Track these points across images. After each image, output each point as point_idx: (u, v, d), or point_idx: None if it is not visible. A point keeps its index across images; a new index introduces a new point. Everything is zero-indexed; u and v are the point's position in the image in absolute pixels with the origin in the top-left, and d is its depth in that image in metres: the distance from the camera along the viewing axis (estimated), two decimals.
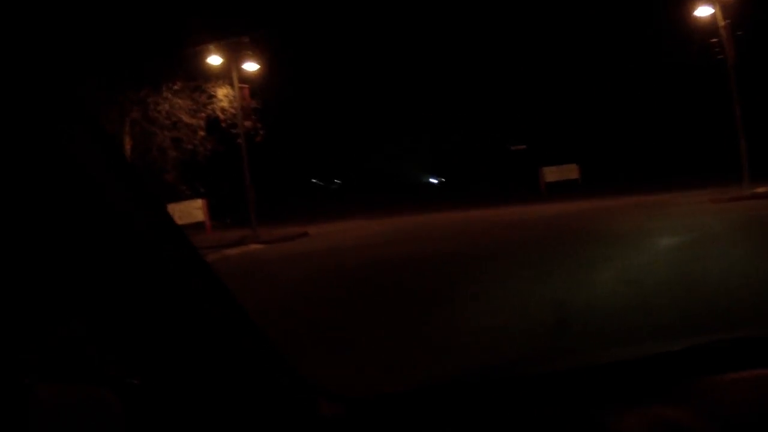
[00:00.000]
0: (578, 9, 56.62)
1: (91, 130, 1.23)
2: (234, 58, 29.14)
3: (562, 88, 64.33)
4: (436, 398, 1.86)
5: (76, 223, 1.19)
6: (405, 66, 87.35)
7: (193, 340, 1.38)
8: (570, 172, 43.52)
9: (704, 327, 6.80)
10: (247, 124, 30.12)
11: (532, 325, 8.22)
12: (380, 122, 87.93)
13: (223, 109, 31.30)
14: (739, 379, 1.74)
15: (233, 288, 1.48)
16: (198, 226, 29.62)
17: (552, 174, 43.30)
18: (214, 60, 29.72)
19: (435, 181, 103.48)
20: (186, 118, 31.07)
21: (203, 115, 31.46)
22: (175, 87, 30.22)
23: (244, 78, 30.03)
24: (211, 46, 28.69)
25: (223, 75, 30.42)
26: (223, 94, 31.15)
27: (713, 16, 27.08)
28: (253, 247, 24.81)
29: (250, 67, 30.34)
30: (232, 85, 29.72)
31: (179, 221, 1.30)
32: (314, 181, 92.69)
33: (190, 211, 30.02)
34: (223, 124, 31.41)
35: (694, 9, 28.18)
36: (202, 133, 31.70)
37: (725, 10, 26.56)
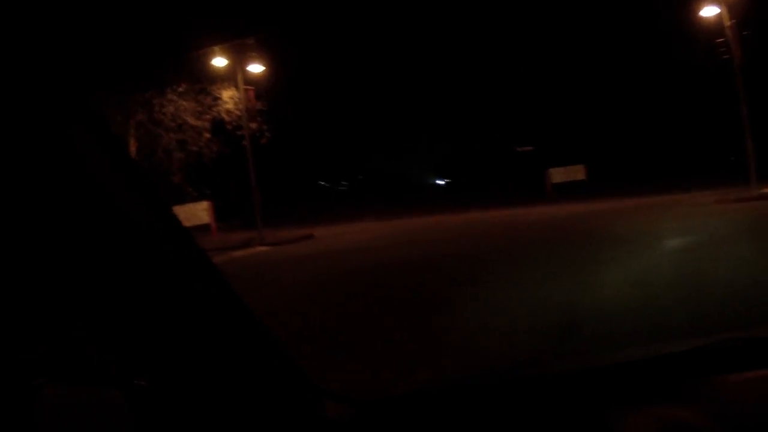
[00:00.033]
0: (585, 9, 56.53)
1: (97, 131, 1.22)
2: (239, 59, 29.14)
3: (569, 89, 64.32)
4: (442, 400, 1.86)
5: (83, 224, 1.19)
6: (411, 67, 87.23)
7: (199, 341, 1.37)
8: (576, 173, 43.42)
9: (712, 328, 6.77)
10: (253, 126, 30.13)
11: (539, 326, 8.21)
12: (386, 124, 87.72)
13: (228, 111, 31.38)
14: (747, 379, 1.73)
15: (237, 290, 1.47)
16: (203, 228, 29.65)
17: (558, 175, 43.23)
18: (219, 62, 29.80)
19: (441, 182, 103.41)
20: (191, 120, 31.12)
21: (209, 117, 31.53)
22: (180, 89, 30.27)
23: (250, 80, 30.02)
24: (216, 48, 28.68)
25: (229, 77, 30.45)
26: (228, 96, 31.21)
27: (719, 16, 27.01)
28: (258, 249, 24.84)
29: (256, 68, 30.36)
30: (237, 87, 29.72)
31: (184, 223, 1.29)
32: (321, 183, 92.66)
33: (196, 213, 30.08)
34: (229, 126, 31.48)
35: (700, 9, 28.10)
36: (207, 135, 31.77)
37: (731, 9, 26.48)
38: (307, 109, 68.76)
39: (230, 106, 31.21)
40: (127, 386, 1.41)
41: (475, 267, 14.32)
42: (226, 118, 31.43)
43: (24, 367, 1.49)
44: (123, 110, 28.58)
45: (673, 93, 55.63)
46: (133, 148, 29.45)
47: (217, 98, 31.41)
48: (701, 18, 28.47)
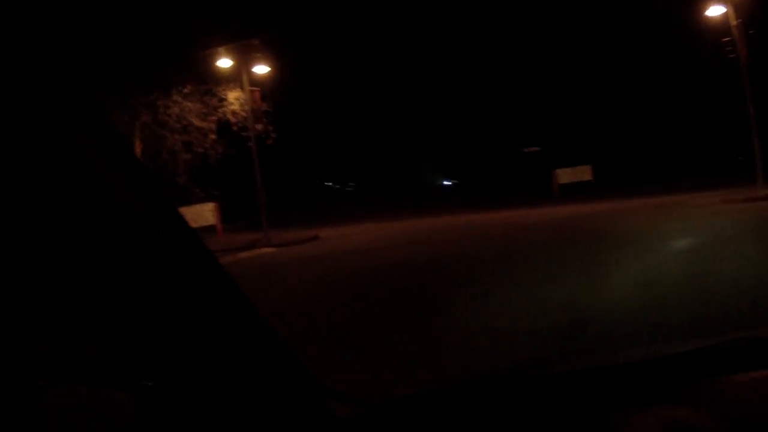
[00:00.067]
0: (591, 10, 56.58)
1: (102, 131, 1.21)
2: (244, 60, 29.18)
3: (575, 89, 64.40)
4: (448, 400, 1.86)
5: (89, 225, 1.18)
6: (418, 67, 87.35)
7: (206, 341, 1.36)
8: (583, 173, 43.40)
9: (716, 328, 6.75)
10: (258, 127, 30.15)
11: (543, 327, 8.22)
12: (393, 124, 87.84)
13: (234, 113, 31.40)
14: (751, 379, 1.72)
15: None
16: (209, 229, 29.67)
17: (565, 175, 43.23)
18: (224, 63, 29.87)
19: (449, 183, 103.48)
20: (196, 122, 31.20)
21: (214, 118, 31.61)
22: (185, 90, 30.31)
23: (255, 81, 30.06)
24: (221, 49, 28.78)
25: (234, 78, 30.48)
26: (233, 97, 31.26)
27: (725, 15, 27.01)
28: (264, 250, 24.89)
29: (261, 69, 30.39)
30: (242, 88, 29.73)
31: (190, 224, 1.31)
32: (328, 184, 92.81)
33: (201, 214, 30.06)
34: (234, 128, 31.51)
35: (705, 8, 28.11)
36: (213, 136, 31.85)
37: (737, 9, 26.46)
38: (313, 110, 68.93)
39: (236, 107, 31.26)
40: (133, 387, 1.41)
41: (481, 269, 14.30)
42: (232, 119, 31.49)
43: (28, 367, 1.53)
44: (128, 111, 28.63)
45: (679, 93, 55.72)
46: (137, 150, 29.49)
47: (222, 99, 31.47)
48: (707, 17, 28.46)
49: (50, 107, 1.12)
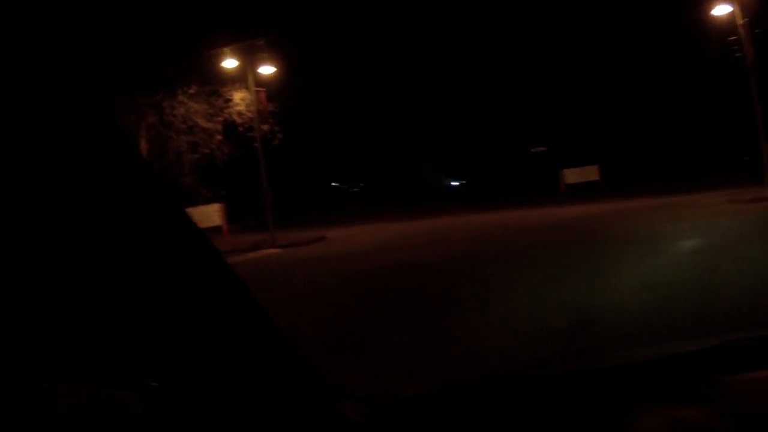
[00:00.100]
0: (597, 10, 56.53)
1: (109, 131, 1.22)
2: (250, 61, 29.19)
3: (582, 89, 64.38)
4: (457, 400, 1.87)
5: (97, 225, 1.18)
6: (425, 68, 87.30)
7: (214, 341, 1.36)
8: (590, 173, 43.45)
9: (723, 328, 6.73)
10: (264, 127, 30.16)
11: (550, 327, 8.21)
12: (400, 125, 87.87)
13: (239, 113, 31.38)
14: (757, 378, 1.73)
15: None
16: (215, 230, 29.70)
17: (572, 175, 43.29)
18: (230, 63, 29.86)
19: (455, 183, 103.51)
20: (202, 122, 31.21)
21: (220, 119, 31.60)
22: (191, 91, 30.33)
23: (261, 81, 30.07)
24: (227, 50, 28.79)
25: (239, 78, 30.49)
26: (239, 97, 31.25)
27: (731, 14, 26.96)
28: (269, 251, 24.90)
29: (266, 70, 30.39)
30: (248, 88, 29.74)
31: None
32: (335, 184, 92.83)
33: (207, 215, 30.08)
34: (240, 128, 31.50)
35: (712, 8, 28.05)
36: (219, 137, 31.84)
37: (743, 8, 26.40)
38: (319, 110, 68.94)
39: (242, 107, 31.23)
40: (140, 387, 1.41)
41: (486, 270, 14.32)
42: (238, 120, 31.48)
43: (35, 368, 1.51)
44: (133, 112, 28.64)
45: (685, 92, 55.68)
46: (143, 150, 29.52)
47: (228, 100, 31.47)
48: (713, 17, 28.41)
49: (57, 107, 1.12)
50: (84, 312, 1.28)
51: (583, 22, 59.83)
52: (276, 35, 29.56)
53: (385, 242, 23.44)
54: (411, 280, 13.78)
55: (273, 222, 28.28)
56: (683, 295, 9.23)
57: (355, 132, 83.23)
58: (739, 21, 26.45)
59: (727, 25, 27.51)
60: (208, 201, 31.56)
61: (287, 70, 32.06)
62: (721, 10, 27.72)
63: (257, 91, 29.29)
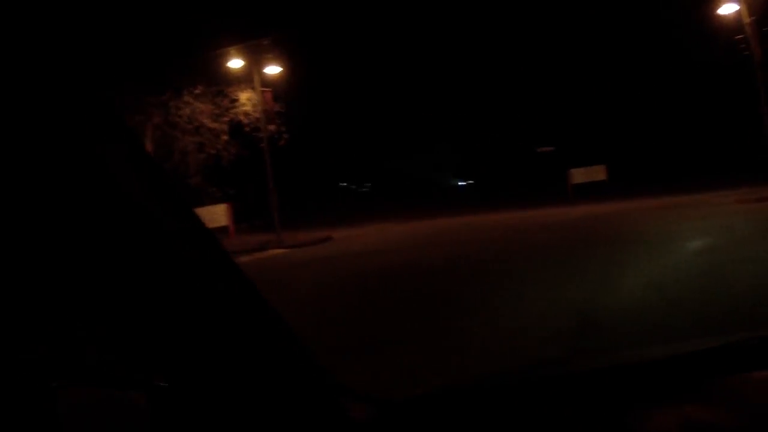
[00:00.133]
0: (604, 9, 56.54)
1: (118, 131, 1.22)
2: (255, 61, 29.23)
3: (589, 89, 64.39)
4: (465, 399, 1.86)
5: (104, 225, 1.18)
6: (432, 68, 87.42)
7: (221, 341, 1.36)
8: (597, 173, 43.33)
9: (732, 327, 6.72)
10: (271, 128, 30.19)
11: (559, 327, 8.21)
12: (407, 125, 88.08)
13: (246, 113, 31.36)
14: None
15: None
16: (221, 230, 29.73)
17: (579, 175, 43.17)
18: (235, 63, 29.91)
19: (463, 183, 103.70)
20: (208, 123, 31.22)
21: (226, 119, 31.59)
22: (197, 91, 30.32)
23: (267, 81, 30.10)
24: (232, 50, 28.82)
25: (245, 79, 30.50)
26: (246, 97, 31.23)
27: (738, 12, 26.94)
28: (275, 251, 24.96)
29: (272, 70, 30.41)
30: (254, 88, 29.75)
31: None
32: (342, 184, 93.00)
33: (214, 215, 30.08)
34: (247, 129, 31.49)
35: (718, 7, 28.04)
36: (225, 137, 31.84)
37: (750, 6, 26.36)
38: (326, 110, 69.02)
39: (248, 108, 31.22)
40: (148, 387, 1.41)
41: (493, 270, 14.32)
42: (244, 120, 31.46)
43: (43, 368, 1.52)
44: (139, 112, 28.65)
45: (692, 91, 55.62)
46: (148, 151, 29.50)
47: (234, 100, 31.46)
48: (720, 16, 28.39)
49: (66, 108, 1.12)
50: (93, 312, 1.28)
51: (590, 21, 59.89)
52: (282, 35, 29.59)
53: (392, 243, 23.49)
54: (416, 282, 13.78)
55: (279, 222, 28.34)
56: (692, 296, 9.21)
57: (362, 132, 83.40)
58: (746, 19, 26.45)
59: (733, 24, 27.52)
60: (216, 200, 31.58)
61: (293, 70, 32.10)
62: (727, 9, 27.76)
63: (263, 91, 29.33)
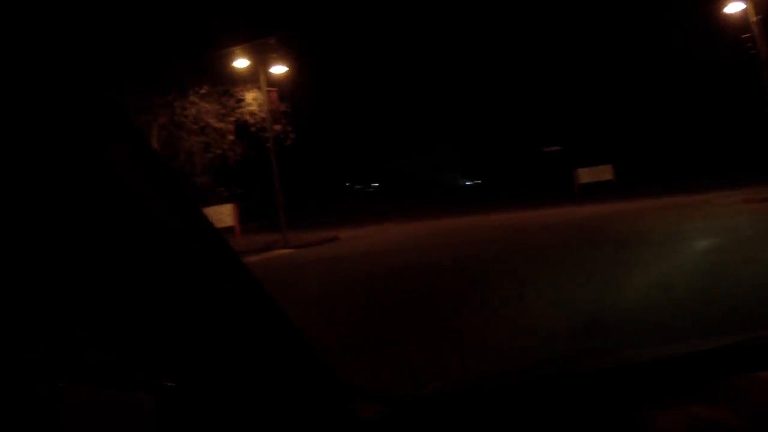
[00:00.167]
0: (610, 9, 56.57)
1: (125, 131, 1.22)
2: (261, 60, 29.23)
3: (595, 88, 64.39)
4: (475, 399, 1.87)
5: (111, 225, 1.19)
6: (439, 68, 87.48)
7: (228, 341, 1.36)
8: (604, 173, 43.39)
9: (741, 327, 6.72)
10: (277, 128, 30.18)
11: (567, 327, 8.19)
12: (413, 124, 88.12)
13: (252, 113, 31.37)
14: None
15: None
16: (227, 230, 29.74)
17: (586, 175, 43.22)
18: (241, 63, 29.94)
19: (469, 183, 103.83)
20: (214, 123, 31.23)
21: (232, 119, 31.61)
22: (202, 91, 30.33)
23: (273, 81, 30.10)
24: (237, 49, 28.83)
25: (251, 78, 30.51)
26: (251, 97, 31.26)
27: (744, 11, 26.90)
28: (281, 251, 24.94)
29: (278, 70, 30.40)
30: (260, 88, 29.76)
31: None
32: (348, 184, 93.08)
33: (219, 215, 30.09)
34: (253, 128, 31.51)
35: (724, 5, 28.00)
36: (231, 137, 31.84)
37: (757, 5, 26.33)
38: (333, 110, 69.06)
39: (254, 107, 31.23)
40: (154, 388, 1.41)
41: (499, 271, 14.32)
42: (250, 120, 31.48)
43: (49, 368, 1.52)
44: (144, 113, 28.66)
45: (698, 91, 55.61)
46: None
47: (240, 100, 31.47)
48: (726, 15, 28.35)
49: (73, 107, 1.12)
50: (100, 312, 1.28)
51: (597, 21, 59.89)
52: (287, 34, 29.59)
53: (398, 243, 23.50)
54: (422, 282, 13.78)
55: (286, 222, 28.35)
56: (698, 297, 9.21)
57: (368, 132, 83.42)
58: (753, 18, 26.41)
59: (740, 23, 27.48)
60: (223, 200, 31.60)
61: (299, 69, 32.08)
62: (734, 8, 27.73)
63: (269, 91, 29.32)
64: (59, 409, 1.43)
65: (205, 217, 1.33)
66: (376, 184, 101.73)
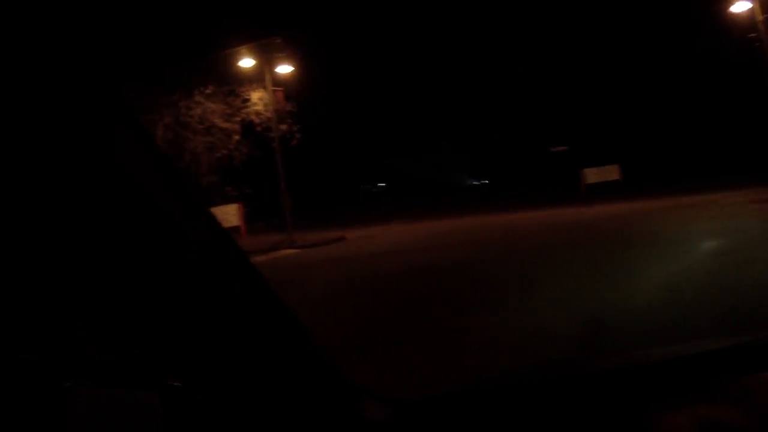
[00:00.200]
0: (617, 8, 56.50)
1: (134, 131, 1.21)
2: (267, 60, 29.22)
3: (602, 88, 64.27)
4: (481, 399, 1.87)
5: (120, 224, 1.18)
6: (446, 68, 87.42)
7: (235, 341, 1.36)
8: (611, 173, 43.39)
9: (749, 327, 6.70)
10: (283, 127, 30.17)
11: (575, 327, 8.22)
12: (421, 124, 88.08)
13: (257, 113, 31.34)
14: None
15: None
16: (233, 230, 29.72)
17: (593, 175, 43.24)
18: (247, 63, 29.93)
19: (476, 183, 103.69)
20: (220, 123, 31.17)
21: (238, 119, 31.55)
22: (208, 91, 30.29)
23: (278, 81, 30.09)
24: (243, 49, 28.77)
25: (257, 78, 30.48)
26: (257, 97, 31.21)
27: (751, 11, 26.84)
28: (287, 252, 24.95)
29: (284, 69, 30.39)
30: (266, 88, 29.73)
31: None
32: (356, 184, 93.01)
33: (225, 215, 30.07)
34: (259, 128, 31.48)
35: (731, 4, 27.95)
36: (237, 137, 31.80)
37: (763, 4, 26.27)
38: (339, 110, 69.03)
39: (260, 107, 31.19)
40: (161, 387, 1.43)
41: (504, 272, 14.30)
42: (256, 120, 31.44)
43: (56, 368, 1.54)
44: (149, 112, 28.64)
45: (705, 90, 55.48)
46: None
47: (246, 100, 31.43)
48: (733, 14, 28.29)
49: (82, 106, 1.11)
50: (107, 312, 1.27)
51: (603, 20, 59.80)
52: (293, 34, 29.56)
53: (404, 243, 23.49)
54: (429, 283, 13.78)
55: (292, 222, 28.36)
56: (705, 297, 9.24)
57: (375, 132, 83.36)
58: (759, 17, 26.35)
59: (746, 22, 27.41)
60: (230, 200, 31.57)
61: (305, 69, 32.08)
62: (740, 7, 27.68)
63: (275, 91, 29.33)
64: (66, 408, 1.43)
65: (213, 217, 1.32)
66: (383, 184, 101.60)
